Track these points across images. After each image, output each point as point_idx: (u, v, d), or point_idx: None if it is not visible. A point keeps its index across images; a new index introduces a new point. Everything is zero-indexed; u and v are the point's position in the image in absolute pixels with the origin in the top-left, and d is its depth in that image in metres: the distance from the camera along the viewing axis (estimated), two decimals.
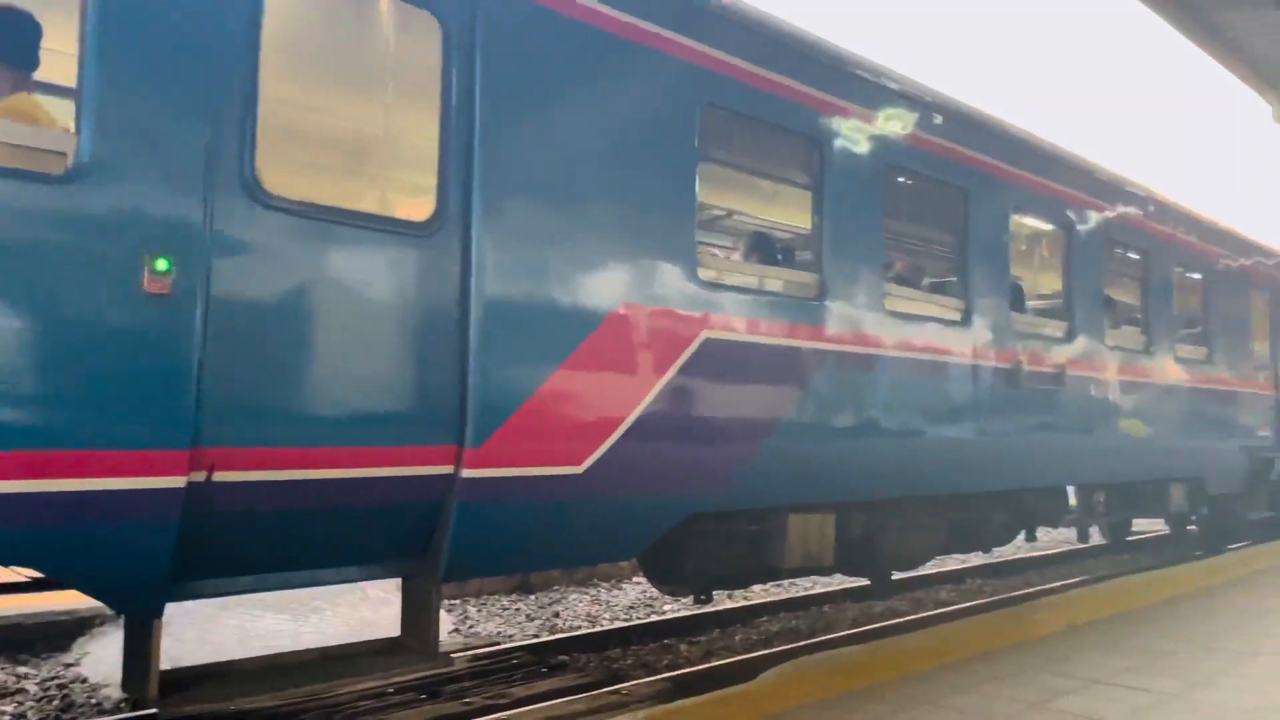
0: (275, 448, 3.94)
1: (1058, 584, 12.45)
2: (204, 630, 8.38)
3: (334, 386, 4.14)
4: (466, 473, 4.45)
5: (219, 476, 3.78)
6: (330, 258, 4.13)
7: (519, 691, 7.24)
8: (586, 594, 11.57)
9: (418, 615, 4.71)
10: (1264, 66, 15.73)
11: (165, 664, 4.05)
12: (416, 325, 4.36)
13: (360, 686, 6.77)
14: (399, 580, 4.78)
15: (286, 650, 4.64)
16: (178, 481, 3.64)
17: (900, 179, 7.18)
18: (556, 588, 11.77)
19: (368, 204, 4.45)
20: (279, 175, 4.07)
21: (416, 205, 4.49)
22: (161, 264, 3.59)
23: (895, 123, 6.94)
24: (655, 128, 5.41)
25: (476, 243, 4.52)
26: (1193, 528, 14.75)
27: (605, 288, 5.07)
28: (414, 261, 4.36)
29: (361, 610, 9.69)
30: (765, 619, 10.09)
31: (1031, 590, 11.97)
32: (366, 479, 4.19)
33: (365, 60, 4.56)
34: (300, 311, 4.05)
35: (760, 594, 11.44)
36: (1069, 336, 8.62)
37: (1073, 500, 10.18)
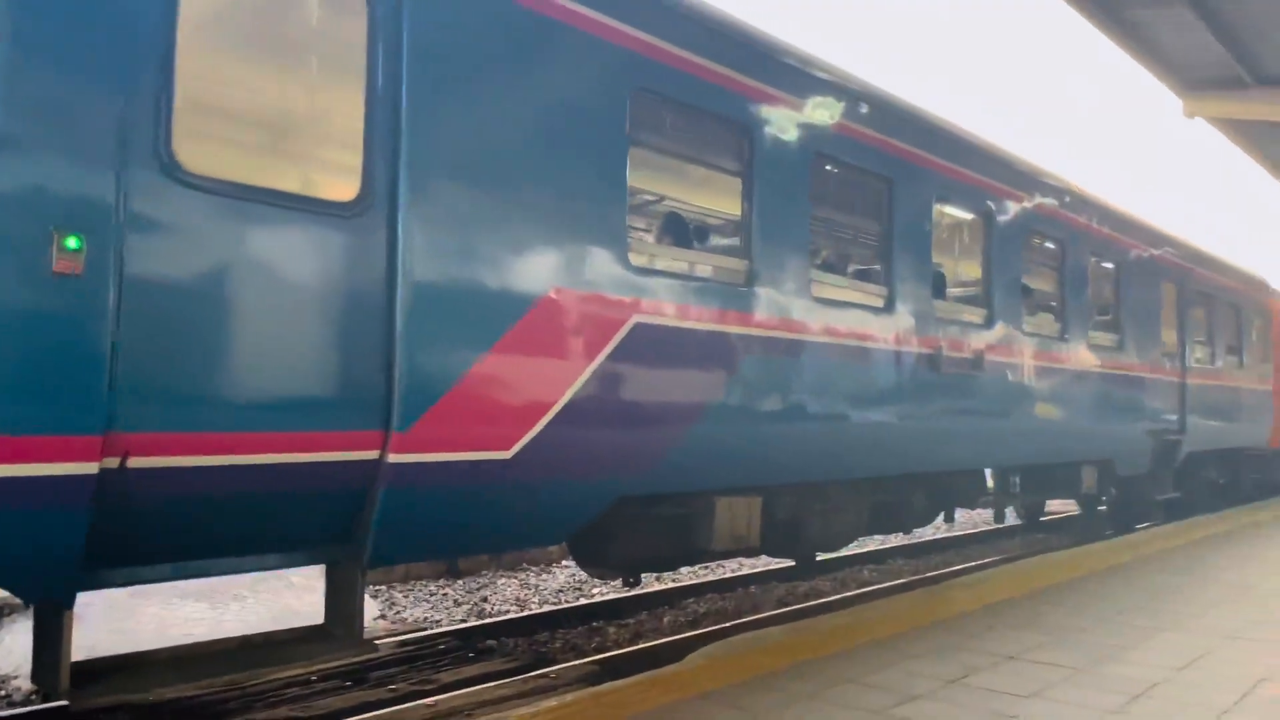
0: (193, 433, 3.83)
1: (975, 563, 12.82)
2: (119, 619, 8.17)
3: (255, 370, 4.05)
4: (393, 457, 4.39)
5: (134, 462, 3.67)
6: (251, 238, 4.03)
7: (445, 677, 7.21)
8: (515, 578, 11.55)
9: (342, 602, 4.64)
10: (1175, 63, 16.26)
11: (78, 654, 3.93)
12: (341, 308, 4.28)
13: (283, 674, 6.68)
14: (323, 567, 4.71)
15: (206, 639, 4.54)
16: (90, 467, 3.53)
17: (827, 167, 7.26)
18: (485, 572, 11.72)
19: (290, 183, 4.32)
20: (197, 152, 3.94)
21: (341, 185, 4.40)
22: (72, 242, 3.47)
23: (823, 111, 7.01)
24: (586, 111, 5.38)
25: (403, 224, 4.45)
26: (1103, 508, 15.29)
27: (535, 271, 5.04)
28: (339, 243, 4.28)
29: (284, 597, 9.55)
30: (693, 600, 10.20)
31: (950, 570, 12.30)
32: (289, 464, 4.10)
33: (289, 34, 4.44)
34: (219, 293, 3.94)
35: (688, 576, 11.55)
36: (988, 323, 8.83)
37: (990, 482, 10.48)
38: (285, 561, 4.43)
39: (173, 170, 3.80)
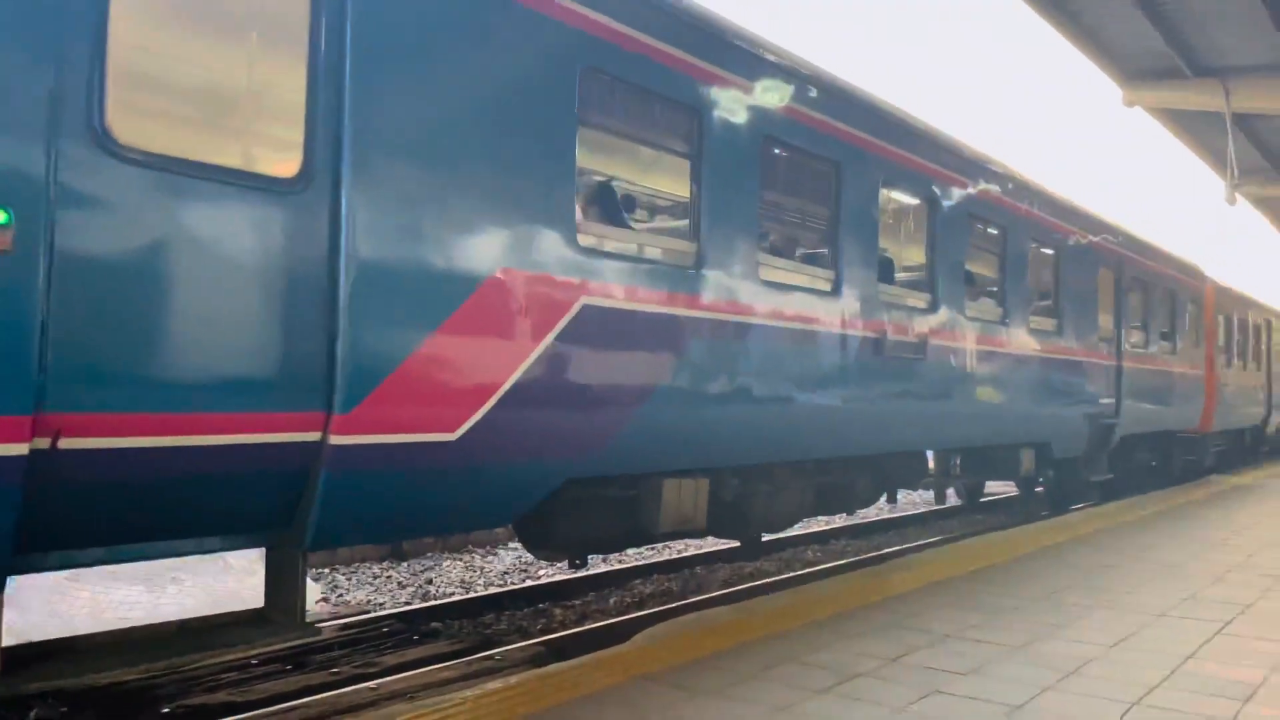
0: (128, 413, 3.74)
1: (916, 544, 13.06)
2: (53, 602, 7.98)
3: (193, 349, 3.96)
4: (335, 439, 4.33)
5: (66, 443, 3.57)
6: (188, 214, 3.93)
7: (389, 660, 7.17)
8: (460, 560, 11.50)
9: (283, 585, 4.58)
10: (1116, 52, 16.59)
11: (8, 639, 3.84)
12: (283, 286, 4.20)
13: (222, 658, 6.58)
14: (263, 549, 4.64)
15: (143, 623, 4.45)
16: (19, 448, 3.43)
17: (776, 150, 7.29)
18: (430, 555, 11.66)
19: (229, 158, 4.22)
20: (132, 125, 3.83)
21: (283, 161, 4.30)
22: (0, 217, 3.35)
23: (772, 94, 7.03)
24: (534, 89, 5.33)
25: (346, 202, 4.37)
26: (1040, 489, 15.65)
27: (482, 251, 4.99)
28: (280, 220, 4.19)
29: (224, 581, 9.40)
30: (639, 581, 10.25)
31: (892, 550, 12.52)
32: (228, 446, 4.03)
33: (230, 4, 4.33)
34: (156, 270, 3.84)
35: (634, 557, 11.60)
36: (931, 308, 8.96)
37: (931, 464, 10.66)
38: (225, 544, 4.36)
39: (106, 144, 3.69)
